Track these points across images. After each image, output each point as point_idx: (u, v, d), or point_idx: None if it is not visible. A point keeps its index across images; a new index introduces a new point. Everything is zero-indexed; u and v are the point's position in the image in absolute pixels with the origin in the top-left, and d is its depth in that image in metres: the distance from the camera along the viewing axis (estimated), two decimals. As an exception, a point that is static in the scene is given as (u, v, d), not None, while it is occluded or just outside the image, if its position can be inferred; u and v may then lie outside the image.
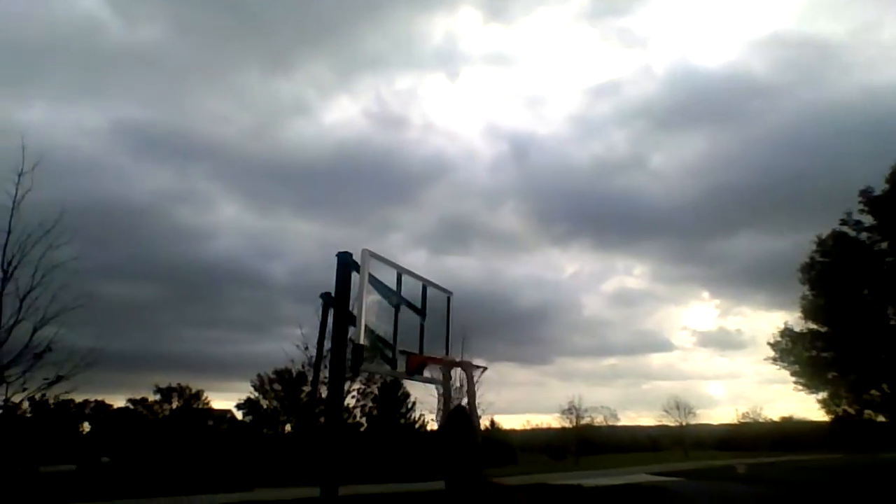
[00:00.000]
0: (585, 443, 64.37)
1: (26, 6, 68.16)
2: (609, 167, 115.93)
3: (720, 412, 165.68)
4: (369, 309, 5.02)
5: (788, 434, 68.26)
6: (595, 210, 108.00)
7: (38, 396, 13.69)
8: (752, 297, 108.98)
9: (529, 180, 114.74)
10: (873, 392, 28.17)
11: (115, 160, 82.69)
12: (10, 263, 12.54)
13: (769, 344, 30.97)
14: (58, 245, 13.00)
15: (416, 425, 45.35)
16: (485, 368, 5.60)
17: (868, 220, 27.75)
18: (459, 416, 4.82)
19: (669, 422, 70.41)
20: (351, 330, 5.05)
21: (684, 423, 69.47)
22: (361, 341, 4.84)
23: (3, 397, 12.62)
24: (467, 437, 4.70)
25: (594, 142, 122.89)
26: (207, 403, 60.13)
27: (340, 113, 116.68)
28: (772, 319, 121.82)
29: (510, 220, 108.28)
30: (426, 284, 5.81)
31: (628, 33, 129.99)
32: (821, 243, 29.30)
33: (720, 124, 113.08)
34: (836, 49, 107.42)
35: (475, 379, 5.23)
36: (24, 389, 12.69)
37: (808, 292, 29.55)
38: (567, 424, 65.34)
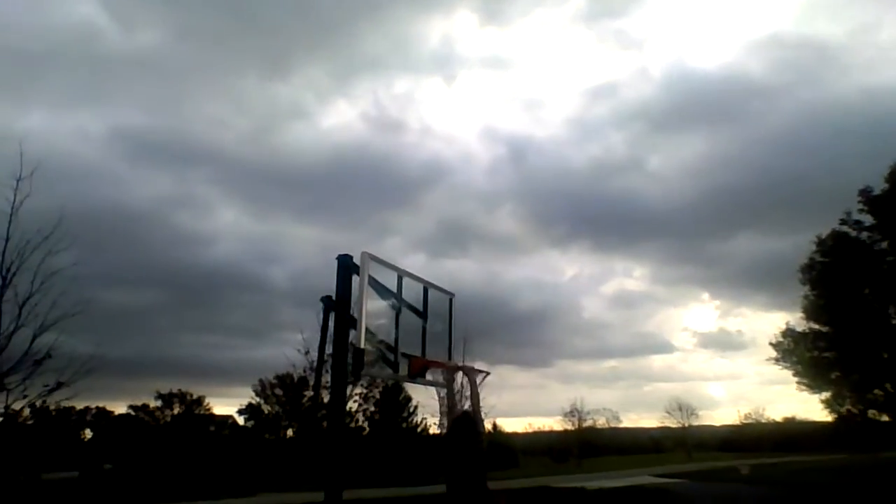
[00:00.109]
0: (587, 445, 64.21)
1: (23, 13, 67.97)
2: (607, 169, 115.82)
3: (722, 413, 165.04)
4: (370, 312, 5.01)
5: (791, 435, 68.07)
6: (594, 212, 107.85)
7: (38, 403, 13.62)
8: (752, 298, 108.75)
9: (527, 183, 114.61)
10: (876, 392, 28.12)
11: (113, 166, 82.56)
12: (8, 270, 12.48)
13: (771, 344, 30.96)
14: (57, 251, 12.96)
15: (418, 429, 45.21)
16: (487, 373, 5.59)
17: (868, 219, 27.77)
18: (465, 423, 4.80)
19: (672, 423, 70.31)
20: (352, 333, 5.04)
21: (686, 425, 69.33)
22: (362, 345, 4.82)
23: (4, 405, 12.58)
24: (473, 443, 4.68)
25: (592, 144, 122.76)
26: (209, 409, 59.99)
27: (338, 117, 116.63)
28: (772, 320, 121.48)
29: (508, 223, 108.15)
30: (427, 286, 5.79)
31: (625, 35, 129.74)
32: (820, 243, 29.29)
33: (718, 125, 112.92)
34: (835, 50, 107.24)
35: (478, 383, 5.21)
36: (25, 396, 12.63)
37: (809, 292, 29.54)
38: (569, 427, 65.24)
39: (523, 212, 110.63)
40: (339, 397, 5.36)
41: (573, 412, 63.74)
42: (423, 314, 5.71)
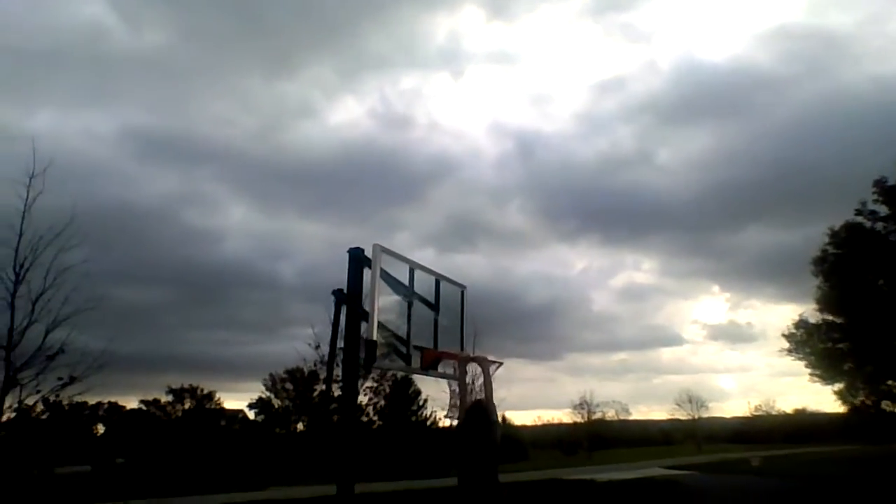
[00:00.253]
0: (597, 438, 64.24)
1: (32, 14, 68.40)
2: (615, 163, 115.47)
3: (732, 405, 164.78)
4: (382, 305, 4.99)
5: (802, 426, 67.86)
6: (602, 206, 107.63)
7: (52, 398, 13.74)
8: (762, 290, 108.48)
9: (536, 177, 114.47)
10: (890, 383, 27.98)
11: (122, 165, 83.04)
12: (21, 266, 12.59)
13: (784, 336, 30.84)
14: (68, 247, 13.06)
15: (428, 422, 45.32)
16: (500, 364, 5.55)
17: (883, 209, 27.51)
18: (478, 412, 4.78)
19: (682, 415, 70.13)
20: (363, 326, 5.02)
21: (696, 417, 69.17)
22: (374, 337, 4.81)
23: (18, 399, 12.68)
24: (486, 433, 4.66)
25: (600, 138, 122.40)
26: (219, 404, 60.41)
27: (345, 114, 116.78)
28: (782, 312, 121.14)
29: (517, 218, 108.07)
30: (439, 279, 5.76)
31: (632, 29, 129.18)
32: (833, 235, 29.07)
33: (727, 118, 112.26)
34: (844, 40, 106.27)
35: (491, 374, 5.17)
36: (38, 391, 12.75)
37: (822, 284, 29.35)
38: (578, 419, 65.28)
39: (532, 206, 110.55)
40: (351, 390, 5.35)
41: (583, 405, 63.78)
42: (434, 306, 5.68)
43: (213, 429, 54.61)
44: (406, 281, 5.40)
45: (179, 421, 56.89)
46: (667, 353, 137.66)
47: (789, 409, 74.31)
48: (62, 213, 13.28)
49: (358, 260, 5.20)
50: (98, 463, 47.25)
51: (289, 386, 49.21)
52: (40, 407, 15.00)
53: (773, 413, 73.03)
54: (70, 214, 13.27)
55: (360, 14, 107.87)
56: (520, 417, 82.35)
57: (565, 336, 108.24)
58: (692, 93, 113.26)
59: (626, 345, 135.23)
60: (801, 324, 30.31)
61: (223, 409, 60.03)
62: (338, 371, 6.62)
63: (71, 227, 13.12)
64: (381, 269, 5.02)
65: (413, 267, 5.46)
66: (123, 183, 76.08)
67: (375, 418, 44.25)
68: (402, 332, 5.30)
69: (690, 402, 68.49)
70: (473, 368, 5.70)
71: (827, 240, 29.27)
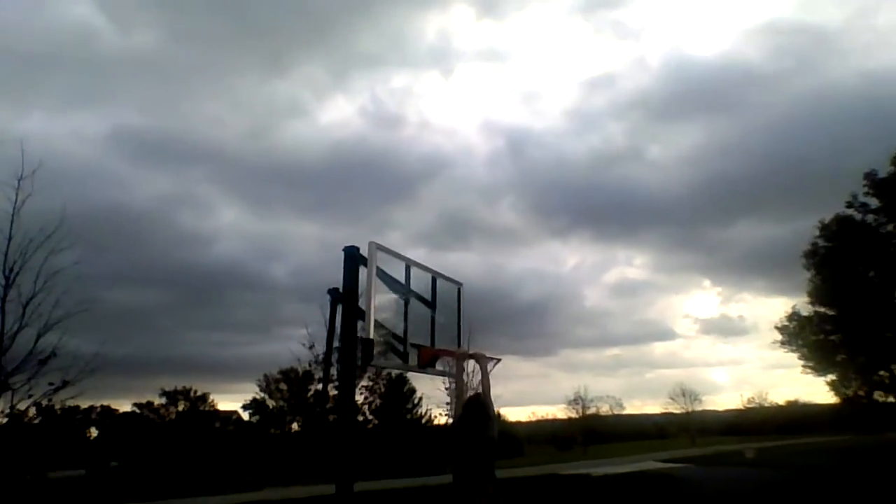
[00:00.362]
0: (592, 432, 64.47)
1: (20, 15, 67.83)
2: (606, 159, 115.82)
3: (725, 398, 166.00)
4: (379, 303, 4.96)
5: (794, 418, 68.35)
6: (594, 202, 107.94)
7: (44, 403, 13.62)
8: (753, 284, 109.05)
9: (527, 175, 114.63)
10: (882, 373, 28.21)
11: (113, 166, 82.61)
12: (11, 269, 12.46)
13: (777, 328, 31.06)
14: (59, 250, 12.93)
15: (423, 420, 45.34)
16: (498, 360, 5.52)
17: (873, 202, 27.73)
18: (476, 406, 4.75)
19: (675, 409, 70.49)
20: (360, 325, 4.99)
21: (690, 410, 69.53)
22: (371, 336, 4.78)
23: (9, 405, 12.56)
24: (484, 426, 4.64)
25: (591, 135, 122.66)
26: (213, 405, 60.20)
27: (336, 113, 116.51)
28: (773, 305, 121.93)
29: (509, 215, 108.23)
30: (435, 276, 5.74)
31: (621, 26, 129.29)
32: (824, 228, 29.28)
33: (717, 114, 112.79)
34: (832, 35, 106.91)
35: (489, 370, 5.16)
36: (30, 396, 12.62)
37: (814, 277, 29.56)
38: (573, 415, 65.51)
39: (523, 204, 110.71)
40: (349, 389, 5.32)
41: (577, 400, 64.05)
42: (431, 304, 5.65)
43: (207, 431, 54.40)
44: (402, 279, 5.37)
45: (173, 423, 56.63)
46: (659, 348, 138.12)
47: (782, 401, 74.95)
48: (52, 216, 13.15)
49: (353, 258, 5.17)
50: (92, 467, 46.98)
51: (283, 386, 49.13)
52: (33, 412, 14.86)
53: (766, 405, 73.57)
54: (60, 217, 13.15)
55: (351, 13, 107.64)
56: (514, 414, 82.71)
57: (558, 332, 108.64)
58: (682, 89, 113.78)
59: (619, 340, 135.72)
60: (794, 316, 30.53)
61: (217, 411, 59.84)
62: (334, 370, 6.60)
63: (61, 229, 12.99)
64: (377, 268, 4.99)
65: (409, 264, 5.44)
66: (115, 185, 75.74)
67: (371, 417, 44.24)
68: (399, 330, 5.27)
69: (684, 395, 68.95)
70: (472, 365, 5.68)
71: (817, 233, 29.51)
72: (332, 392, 6.32)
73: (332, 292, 5.14)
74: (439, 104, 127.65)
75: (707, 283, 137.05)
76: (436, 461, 31.77)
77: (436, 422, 43.40)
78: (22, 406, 12.94)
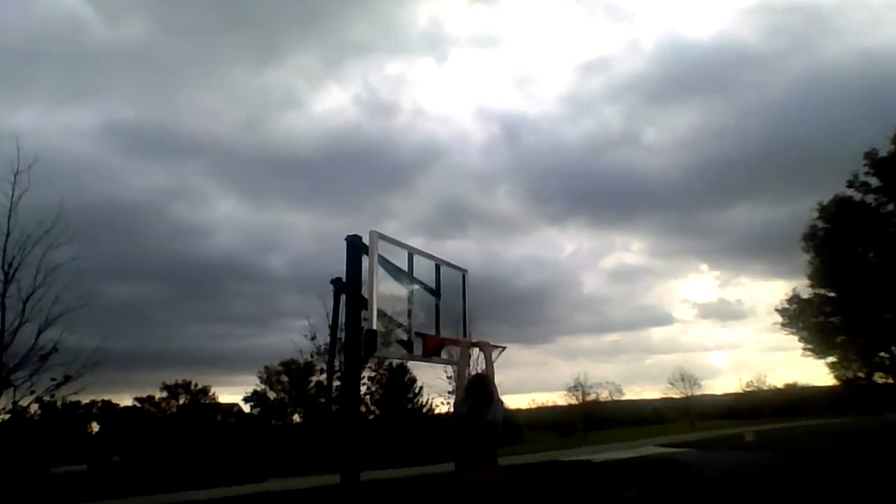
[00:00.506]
0: (591, 419, 64.76)
1: (8, 9, 67.10)
2: (602, 144, 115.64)
3: (724, 382, 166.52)
4: (382, 292, 4.90)
5: (793, 400, 68.67)
6: (590, 188, 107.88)
7: (46, 398, 13.59)
8: (750, 267, 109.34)
9: (523, 161, 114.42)
10: (882, 354, 28.27)
11: (107, 160, 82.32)
12: (10, 265, 12.39)
13: (777, 310, 31.10)
14: (57, 245, 12.86)
15: (424, 409, 45.48)
16: (503, 348, 5.48)
17: (874, 181, 27.66)
18: (480, 386, 4.74)
19: (675, 394, 70.82)
20: (364, 314, 4.95)
21: (689, 395, 69.84)
22: (375, 325, 4.73)
23: (11, 401, 12.54)
24: (486, 408, 4.60)
25: (586, 119, 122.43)
26: (214, 398, 60.35)
27: (330, 102, 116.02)
28: (771, 288, 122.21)
29: (506, 202, 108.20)
30: (439, 264, 5.68)
31: (614, 8, 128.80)
32: (823, 209, 29.19)
33: (712, 95, 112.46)
34: (827, 14, 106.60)
35: (494, 359, 5.13)
36: (32, 392, 12.61)
37: (813, 259, 29.54)
38: (573, 401, 65.81)
39: (520, 190, 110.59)
40: (353, 380, 5.29)
41: (577, 387, 64.32)
42: (435, 292, 5.60)
43: (208, 423, 54.54)
44: (405, 267, 5.32)
45: (174, 417, 56.79)
46: (658, 333, 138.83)
47: (780, 384, 75.32)
48: (49, 211, 13.07)
49: (355, 247, 5.11)
50: (93, 461, 47.11)
51: (284, 378, 49.24)
52: (35, 407, 14.85)
53: (765, 388, 74.00)
54: (57, 211, 13.07)
55: (343, 1, 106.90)
56: (514, 401, 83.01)
57: (557, 319, 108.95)
58: (677, 71, 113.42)
59: (618, 326, 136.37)
60: (794, 299, 30.55)
61: (218, 404, 60.02)
62: (337, 361, 6.58)
63: (59, 224, 12.92)
64: (380, 256, 4.94)
65: (412, 252, 5.38)
66: (110, 179, 75.50)
67: (373, 408, 44.38)
68: (403, 320, 5.22)
69: (683, 380, 69.24)
70: (476, 353, 5.65)
71: (816, 215, 29.44)
72: (336, 383, 6.27)
73: (335, 282, 5.09)
74: (433, 91, 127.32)
75: (705, 267, 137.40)
76: (437, 450, 31.88)
77: (437, 411, 43.57)
78: (24, 402, 12.91)
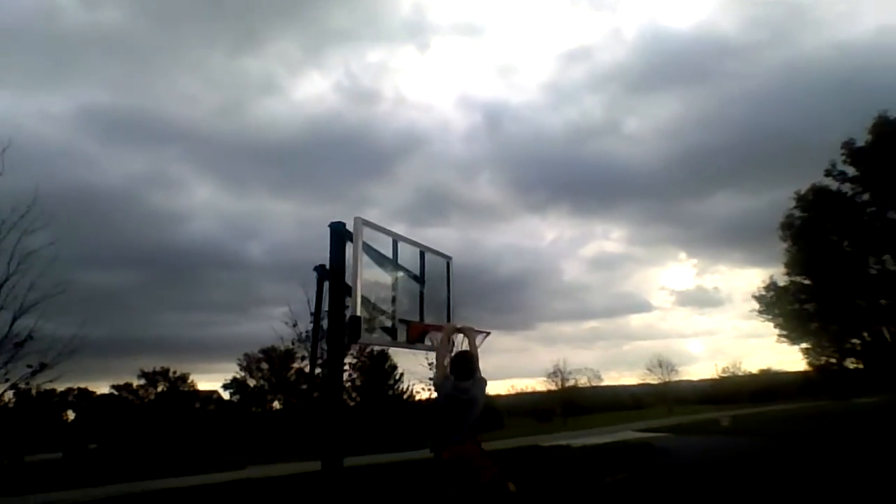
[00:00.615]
0: (571, 404, 65.40)
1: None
2: (584, 133, 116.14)
3: (700, 368, 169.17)
4: (366, 279, 4.88)
5: (767, 386, 69.83)
6: (571, 176, 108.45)
7: (21, 386, 13.40)
8: (728, 256, 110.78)
9: (505, 149, 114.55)
10: (854, 341, 28.93)
11: (83, 146, 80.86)
12: (-17, 251, 12.17)
13: (755, 298, 31.58)
14: (32, 230, 12.65)
15: (405, 396, 45.58)
16: (488, 333, 5.49)
17: (851, 171, 28.15)
18: (463, 361, 4.77)
19: (653, 380, 71.79)
20: (348, 301, 4.92)
21: (667, 381, 70.80)
22: (359, 312, 4.71)
23: (-14, 389, 12.35)
24: (467, 381, 4.64)
25: (568, 108, 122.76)
26: (193, 386, 59.91)
27: (311, 89, 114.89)
28: (748, 276, 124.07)
29: (487, 190, 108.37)
30: (423, 251, 5.67)
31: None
32: (800, 199, 29.68)
33: (693, 85, 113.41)
34: (806, 6, 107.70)
35: (478, 344, 5.13)
36: (7, 380, 12.45)
37: (790, 247, 30.03)
38: (552, 387, 66.42)
39: (501, 178, 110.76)
40: (337, 367, 5.27)
41: (556, 373, 64.90)
42: (420, 279, 5.59)
43: (187, 411, 54.17)
44: (389, 254, 5.29)
45: (153, 404, 56.32)
46: (636, 320, 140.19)
47: (755, 370, 76.57)
48: (24, 196, 12.85)
49: (339, 234, 5.08)
50: (69, 449, 46.62)
51: (264, 365, 48.99)
52: (9, 395, 14.63)
53: (740, 374, 75.20)
54: (33, 197, 12.83)
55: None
56: (494, 387, 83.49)
57: (537, 306, 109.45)
58: (658, 61, 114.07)
59: (597, 313, 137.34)
60: (771, 286, 31.07)
61: (197, 391, 59.61)
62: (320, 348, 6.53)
63: (34, 209, 12.69)
64: (364, 243, 4.91)
65: (396, 239, 5.35)
66: (86, 165, 74.28)
67: (355, 394, 44.37)
68: (387, 306, 5.20)
69: (661, 366, 70.21)
70: (461, 339, 5.65)
71: (794, 204, 29.93)
72: (319, 370, 6.25)
73: (319, 269, 5.06)
74: (415, 79, 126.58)
75: (683, 255, 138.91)
76: (418, 436, 32.00)
77: (418, 398, 43.71)
78: (-1, 390, 12.72)
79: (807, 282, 29.44)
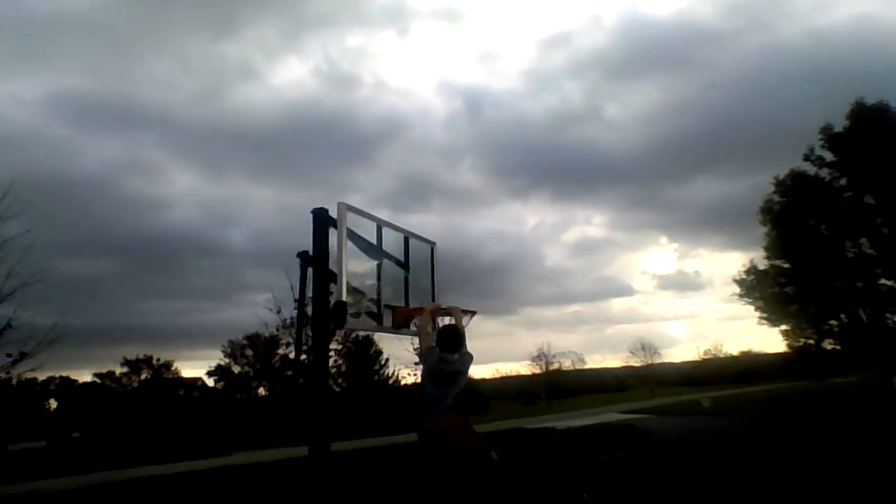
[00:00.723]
0: (555, 387, 66.09)
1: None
2: (564, 119, 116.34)
3: (682, 351, 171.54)
4: (350, 265, 4.88)
5: (748, 367, 71.05)
6: (553, 162, 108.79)
7: (1, 375, 13.25)
8: (708, 240, 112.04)
9: (486, 135, 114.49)
10: (832, 322, 29.47)
11: (56, 131, 79.54)
12: (-43, 239, 11.96)
13: (735, 281, 31.97)
14: (7, 217, 12.45)
15: (390, 381, 45.72)
16: (474, 313, 5.51)
17: (828, 156, 28.56)
18: (450, 333, 4.82)
19: (635, 363, 72.69)
20: (332, 288, 4.91)
21: (649, 363, 71.75)
22: (344, 297, 4.71)
23: (-35, 379, 12.20)
24: (453, 353, 4.71)
25: (548, 94, 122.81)
26: (177, 373, 59.62)
27: (289, 74, 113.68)
28: (728, 260, 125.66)
29: (469, 176, 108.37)
30: (408, 236, 5.67)
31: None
32: (779, 183, 30.07)
33: (673, 72, 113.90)
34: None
35: (465, 324, 5.16)
36: (-14, 369, 12.28)
37: (770, 231, 30.43)
38: (536, 371, 67.04)
39: (483, 164, 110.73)
40: (322, 352, 5.27)
41: (540, 356, 65.47)
42: (404, 264, 5.60)
43: (171, 398, 53.95)
44: (373, 240, 5.29)
45: (136, 392, 56.00)
46: (618, 304, 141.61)
47: (736, 352, 77.81)
48: (-1, 183, 12.61)
49: (322, 220, 5.06)
50: (52, 438, 46.29)
51: (249, 352, 48.81)
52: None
53: (721, 356, 76.39)
54: (7, 183, 12.62)
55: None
56: (479, 371, 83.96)
57: (520, 291, 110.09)
58: (638, 47, 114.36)
59: (579, 297, 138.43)
60: (752, 270, 31.45)
61: (181, 378, 59.35)
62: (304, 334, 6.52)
63: (9, 196, 12.49)
64: (348, 229, 4.90)
65: (381, 224, 5.34)
66: (60, 151, 73.10)
67: (340, 380, 44.40)
68: (372, 292, 5.21)
69: (643, 349, 71.10)
70: (448, 320, 5.66)
71: (773, 189, 30.32)
72: (304, 356, 6.25)
73: (302, 255, 5.04)
74: (395, 64, 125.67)
75: (664, 239, 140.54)
76: (403, 420, 32.13)
77: (403, 382, 43.85)
78: (-22, 380, 12.57)
79: (786, 265, 29.87)
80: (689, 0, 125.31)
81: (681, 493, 7.09)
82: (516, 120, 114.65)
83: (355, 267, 5.04)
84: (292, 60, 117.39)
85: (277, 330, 31.73)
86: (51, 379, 55.54)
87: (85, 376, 58.67)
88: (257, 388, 50.28)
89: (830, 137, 28.20)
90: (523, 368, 71.36)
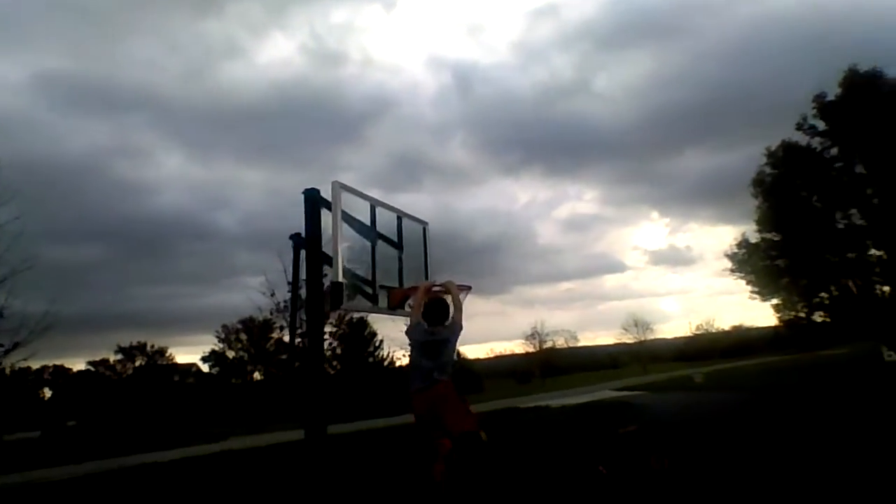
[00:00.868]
0: (549, 365, 66.51)
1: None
2: (554, 93, 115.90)
3: (674, 326, 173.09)
4: (345, 245, 4.81)
5: (739, 341, 71.72)
6: (543, 137, 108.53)
7: (-5, 365, 13.14)
8: (700, 214, 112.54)
9: (476, 111, 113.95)
10: (822, 295, 29.64)
11: (40, 115, 78.50)
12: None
13: (727, 255, 32.03)
14: (-4, 204, 12.25)
15: (385, 363, 45.84)
16: (469, 288, 5.45)
17: (821, 125, 28.50)
18: (438, 304, 4.80)
19: (628, 339, 73.18)
20: (326, 269, 4.86)
21: (642, 340, 72.22)
22: (340, 278, 4.65)
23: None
24: (441, 324, 4.70)
25: (537, 67, 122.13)
26: (171, 359, 59.57)
27: (275, 52, 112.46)
28: (719, 234, 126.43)
29: (460, 153, 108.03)
30: (401, 216, 5.61)
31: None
32: (770, 155, 30.03)
33: (663, 42, 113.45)
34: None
35: (462, 300, 5.10)
36: (-22, 360, 12.17)
37: (761, 204, 30.43)
38: (530, 349, 67.42)
39: (473, 141, 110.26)
40: (317, 335, 5.21)
41: (533, 335, 65.80)
42: (398, 245, 5.54)
43: (166, 384, 53.95)
44: (367, 220, 5.21)
45: (131, 379, 55.94)
46: (610, 280, 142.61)
47: (727, 327, 78.53)
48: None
49: (314, 202, 4.98)
50: (47, 427, 46.21)
51: (243, 336, 48.75)
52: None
53: (713, 331, 77.06)
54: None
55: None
56: (473, 351, 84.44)
57: (512, 270, 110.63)
58: (627, 17, 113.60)
59: (572, 275, 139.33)
60: (743, 243, 31.52)
61: (176, 364, 59.37)
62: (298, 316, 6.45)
63: (-2, 182, 12.28)
64: (342, 210, 4.82)
65: (374, 204, 5.27)
66: (46, 135, 72.20)
67: (335, 362, 44.47)
68: (367, 273, 5.15)
69: (636, 325, 71.55)
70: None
71: (764, 160, 30.29)
72: (298, 339, 6.20)
73: (295, 237, 4.97)
74: (382, 40, 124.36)
75: (655, 214, 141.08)
76: (399, 402, 32.24)
77: (398, 364, 43.97)
78: (-30, 370, 12.47)
79: (777, 238, 29.90)
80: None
81: (688, 465, 7.18)
82: (506, 95, 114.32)
83: (349, 247, 4.98)
84: (278, 37, 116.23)
85: (271, 313, 31.71)
86: (44, 368, 55.45)
87: (79, 364, 58.63)
88: (252, 372, 50.33)
89: (823, 106, 28.11)
90: (517, 347, 71.84)
